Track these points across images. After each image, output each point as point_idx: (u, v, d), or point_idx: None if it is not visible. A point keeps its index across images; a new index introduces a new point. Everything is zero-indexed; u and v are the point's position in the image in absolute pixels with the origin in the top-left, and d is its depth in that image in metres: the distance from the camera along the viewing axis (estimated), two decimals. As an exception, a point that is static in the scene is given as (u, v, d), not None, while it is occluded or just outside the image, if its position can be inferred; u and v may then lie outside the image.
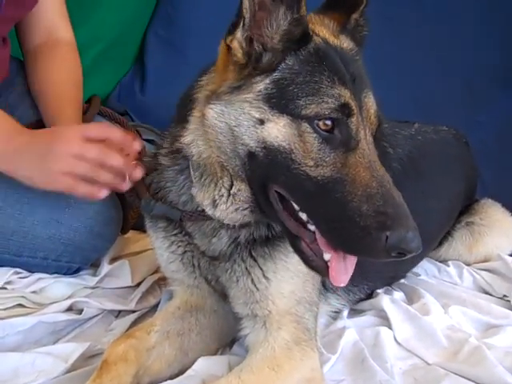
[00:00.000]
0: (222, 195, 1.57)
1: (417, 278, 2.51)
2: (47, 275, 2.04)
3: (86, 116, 2.38)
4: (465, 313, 2.20)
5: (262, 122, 1.42)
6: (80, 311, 1.91)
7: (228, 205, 1.57)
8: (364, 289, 2.15)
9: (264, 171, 1.45)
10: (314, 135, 1.39)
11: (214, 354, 1.78)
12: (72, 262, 2.04)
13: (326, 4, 1.64)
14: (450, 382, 1.72)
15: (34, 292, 1.97)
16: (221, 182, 1.56)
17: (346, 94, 1.40)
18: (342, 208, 1.35)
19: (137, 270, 2.18)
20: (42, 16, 2.35)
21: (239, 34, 1.44)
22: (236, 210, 1.57)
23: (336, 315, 2.09)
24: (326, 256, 1.42)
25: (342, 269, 1.41)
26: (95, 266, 2.17)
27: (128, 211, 2.20)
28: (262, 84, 1.44)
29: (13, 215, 1.94)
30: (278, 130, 1.41)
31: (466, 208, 2.64)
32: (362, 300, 2.19)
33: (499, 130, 3.83)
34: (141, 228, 2.09)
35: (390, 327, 2.02)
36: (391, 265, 2.20)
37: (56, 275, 2.05)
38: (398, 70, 3.81)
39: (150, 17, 4.06)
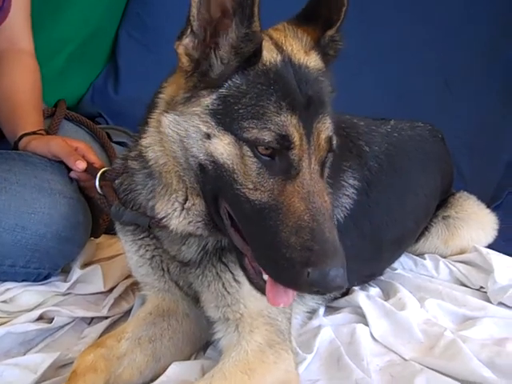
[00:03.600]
0: (175, 209, 1.56)
1: (393, 272, 2.51)
2: (16, 284, 2.00)
3: (54, 119, 2.35)
4: (441, 306, 2.21)
5: (209, 136, 1.40)
6: (51, 320, 1.88)
7: (181, 219, 1.56)
8: None
9: (214, 185, 1.43)
10: (254, 159, 1.37)
11: (188, 358, 1.76)
12: (41, 268, 2.00)
13: (301, 15, 1.57)
14: (426, 378, 1.71)
15: (3, 302, 1.93)
16: (175, 195, 1.55)
17: (291, 124, 1.36)
18: (272, 236, 1.33)
19: (109, 275, 2.15)
20: (7, 26, 2.37)
21: (186, 40, 1.42)
22: (189, 223, 1.56)
23: (311, 315, 2.07)
24: (265, 276, 1.39)
25: (281, 291, 1.37)
26: (66, 271, 2.13)
27: (99, 215, 2.18)
28: (208, 99, 1.41)
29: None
30: (222, 147, 1.39)
31: (442, 202, 2.64)
32: (337, 298, 2.18)
33: (478, 124, 3.95)
34: (113, 232, 2.05)
35: (366, 324, 2.02)
36: (367, 265, 2.22)
37: (25, 283, 2.01)
38: (383, 68, 3.97)
39: (121, 17, 4.03)
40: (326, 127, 1.41)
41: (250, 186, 1.37)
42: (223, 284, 1.62)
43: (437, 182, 2.46)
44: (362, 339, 1.90)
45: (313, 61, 1.49)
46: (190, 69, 1.43)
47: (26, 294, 1.97)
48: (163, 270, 1.73)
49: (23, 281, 2.01)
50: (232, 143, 1.37)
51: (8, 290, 1.98)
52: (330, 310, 2.17)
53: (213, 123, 1.39)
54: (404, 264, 2.60)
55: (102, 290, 2.07)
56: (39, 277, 2.02)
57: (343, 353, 1.81)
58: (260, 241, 1.36)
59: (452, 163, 2.72)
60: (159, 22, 3.91)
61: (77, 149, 2.08)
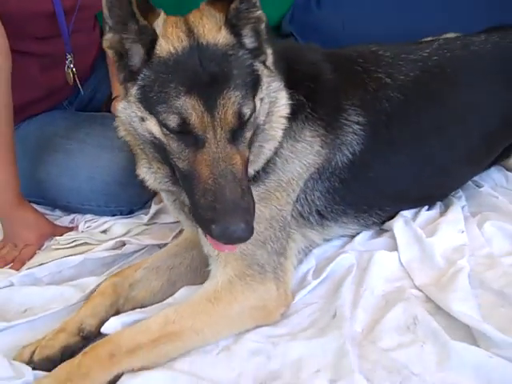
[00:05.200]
0: (146, 173, 1.89)
1: (475, 189, 2.42)
2: (110, 217, 2.53)
3: None
4: (501, 227, 2.12)
5: (143, 119, 1.65)
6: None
7: (152, 180, 1.89)
8: (377, 213, 2.17)
9: (163, 154, 1.68)
10: (171, 135, 1.59)
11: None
12: (119, 206, 2.51)
13: None
14: (403, 306, 1.77)
15: (103, 231, 2.47)
16: (142, 162, 1.88)
17: (189, 105, 1.52)
18: (193, 198, 1.58)
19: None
20: None
21: (108, 35, 1.63)
22: (159, 183, 1.87)
23: (349, 239, 2.20)
24: None
25: None
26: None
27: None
28: (134, 89, 1.63)
29: (66, 177, 2.49)
30: (153, 127, 1.62)
31: None
32: (384, 221, 2.22)
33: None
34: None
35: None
36: (417, 189, 2.22)
37: (117, 216, 2.54)
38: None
39: None
40: (231, 102, 1.54)
41: (176, 156, 1.62)
42: None
43: (507, 98, 2.22)
44: (376, 265, 1.96)
45: (222, 37, 1.59)
46: (116, 61, 1.67)
47: (117, 225, 2.47)
48: (183, 211, 2.02)
49: (114, 215, 2.54)
50: (156, 123, 1.61)
51: (105, 222, 2.51)
52: (380, 232, 2.24)
53: (142, 108, 1.63)
54: (496, 179, 2.50)
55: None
56: (124, 212, 2.53)
57: (349, 278, 1.93)
58: (190, 201, 1.63)
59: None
60: None
61: None
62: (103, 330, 1.77)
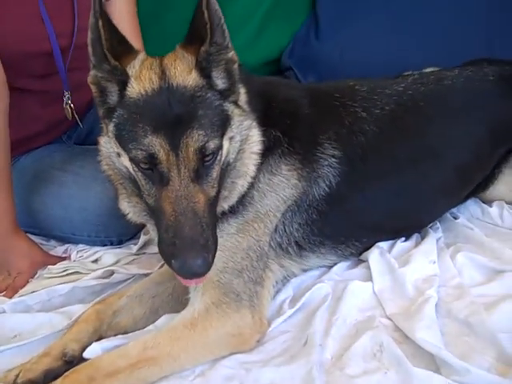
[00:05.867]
0: (126, 207, 2.00)
1: (452, 221, 2.51)
2: (101, 248, 2.63)
3: None
4: (472, 258, 2.19)
5: (119, 155, 1.76)
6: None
7: (131, 214, 2.00)
8: (354, 245, 2.25)
9: (138, 190, 1.80)
10: (139, 173, 1.70)
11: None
12: (109, 236, 2.62)
13: (188, 36, 1.77)
14: (371, 334, 1.85)
15: (94, 261, 2.56)
16: (123, 196, 1.99)
17: (156, 143, 1.62)
18: (158, 232, 1.70)
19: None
20: None
21: (92, 72, 1.74)
22: (138, 216, 1.99)
23: (328, 269, 2.27)
24: None
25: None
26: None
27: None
28: (111, 125, 1.74)
29: (60, 207, 2.61)
30: (127, 163, 1.73)
31: None
32: (362, 252, 2.30)
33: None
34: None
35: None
36: (392, 221, 2.31)
37: (107, 247, 2.64)
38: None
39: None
40: (194, 140, 1.64)
41: (145, 193, 1.74)
42: None
43: (480, 131, 2.32)
44: (351, 294, 2.04)
45: (192, 79, 1.70)
46: (97, 97, 1.77)
47: (108, 255, 2.56)
48: None
49: (104, 245, 2.64)
50: (129, 160, 1.72)
51: (96, 252, 2.61)
52: (358, 262, 2.32)
53: (118, 144, 1.75)
54: (473, 212, 2.57)
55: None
56: (114, 242, 2.63)
57: (323, 307, 2.00)
58: (158, 236, 1.73)
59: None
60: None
61: None
62: (85, 354, 1.86)
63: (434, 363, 1.72)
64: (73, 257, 2.60)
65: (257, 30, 3.95)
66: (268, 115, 2.00)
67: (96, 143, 2.62)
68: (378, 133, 2.16)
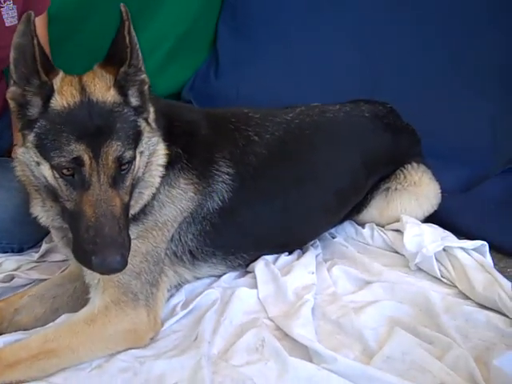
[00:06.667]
0: (40, 211, 2.11)
1: (330, 240, 2.81)
2: (2, 254, 2.69)
3: None
4: (346, 271, 2.49)
5: (38, 164, 1.89)
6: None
7: (44, 218, 2.11)
8: (243, 256, 2.49)
9: (54, 197, 1.93)
10: (61, 179, 1.84)
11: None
12: (11, 243, 2.70)
13: (107, 56, 1.95)
14: (254, 332, 2.08)
15: (-8, 267, 2.65)
16: (36, 201, 2.09)
17: (80, 149, 1.78)
18: (77, 233, 1.84)
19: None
20: None
21: (12, 88, 1.87)
22: (52, 220, 2.10)
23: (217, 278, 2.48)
24: None
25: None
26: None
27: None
28: (31, 136, 1.87)
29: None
30: (46, 172, 1.87)
31: (392, 173, 2.85)
32: (249, 264, 2.54)
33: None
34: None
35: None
36: (277, 236, 2.57)
37: (8, 254, 2.70)
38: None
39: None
40: (112, 150, 1.82)
41: (65, 199, 1.87)
42: None
43: (355, 160, 2.65)
44: (238, 299, 2.27)
45: (111, 96, 1.88)
46: (16, 111, 1.90)
47: (8, 261, 2.62)
48: (69, 247, 2.14)
49: (5, 252, 2.71)
50: (49, 168, 1.86)
51: (-5, 258, 2.70)
52: (245, 273, 2.55)
53: (38, 154, 1.88)
54: (348, 232, 2.89)
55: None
56: (15, 249, 2.71)
57: (212, 311, 2.21)
58: (74, 237, 1.88)
59: (393, 138, 2.83)
60: (253, 10, 4.45)
61: None
62: (-14, 347, 1.95)
63: (308, 355, 1.97)
64: (-27, 262, 2.66)
65: (160, 65, 4.16)
66: (171, 133, 2.20)
67: (4, 155, 2.72)
68: (268, 155, 2.42)
